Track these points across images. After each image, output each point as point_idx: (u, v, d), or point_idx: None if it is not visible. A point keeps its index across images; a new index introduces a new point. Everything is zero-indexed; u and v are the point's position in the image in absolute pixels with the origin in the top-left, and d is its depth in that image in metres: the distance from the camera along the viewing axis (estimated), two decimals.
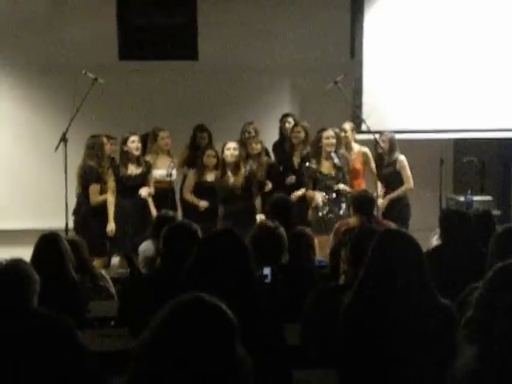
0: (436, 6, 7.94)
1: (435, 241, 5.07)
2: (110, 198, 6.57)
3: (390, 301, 2.73)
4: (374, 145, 7.30)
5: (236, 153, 6.65)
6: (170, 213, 5.15)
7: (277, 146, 7.65)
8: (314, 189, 6.69)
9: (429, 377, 2.62)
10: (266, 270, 3.76)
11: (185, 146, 7.40)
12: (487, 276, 2.25)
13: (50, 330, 2.56)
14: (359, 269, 2.88)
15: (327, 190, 6.62)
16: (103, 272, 4.83)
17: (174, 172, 6.85)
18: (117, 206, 6.57)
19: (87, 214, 6.65)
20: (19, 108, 8.38)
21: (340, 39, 8.42)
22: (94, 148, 6.67)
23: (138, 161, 6.66)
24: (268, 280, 3.76)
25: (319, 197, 6.58)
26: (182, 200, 7.09)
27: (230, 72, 8.25)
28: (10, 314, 2.70)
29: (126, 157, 6.63)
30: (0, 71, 8.33)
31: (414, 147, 7.57)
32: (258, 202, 6.92)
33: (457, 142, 8.56)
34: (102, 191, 6.65)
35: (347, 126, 7.22)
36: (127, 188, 6.59)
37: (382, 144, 7.06)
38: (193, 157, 7.17)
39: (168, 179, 6.72)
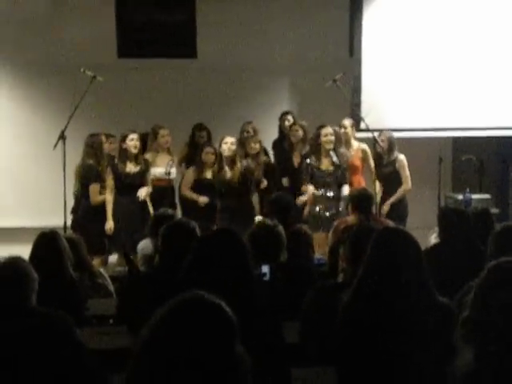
0: (435, 4, 7.94)
1: (434, 239, 5.07)
2: (109, 197, 6.57)
3: (388, 299, 2.73)
4: (372, 144, 7.29)
5: (233, 147, 6.70)
6: (169, 211, 5.14)
7: (276, 144, 7.65)
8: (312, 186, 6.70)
9: (427, 374, 2.62)
10: (265, 268, 3.77)
11: (184, 143, 7.41)
12: (481, 275, 2.26)
13: (48, 328, 2.56)
14: (358, 267, 2.88)
15: (325, 187, 6.63)
16: (102, 270, 4.83)
17: (174, 170, 6.86)
18: (115, 204, 6.57)
19: (86, 213, 6.64)
20: (18, 106, 8.37)
21: (339, 38, 8.42)
22: (92, 147, 6.66)
23: (136, 159, 6.66)
24: (267, 278, 3.76)
25: (311, 189, 6.60)
26: (181, 197, 7.09)
27: (229, 70, 8.25)
28: (8, 312, 2.70)
29: (125, 155, 6.63)
30: (3, 71, 8.32)
31: (412, 145, 7.57)
32: (255, 200, 6.93)
33: (455, 140, 8.57)
34: (102, 189, 6.64)
35: (347, 122, 7.23)
36: (125, 186, 6.58)
37: (381, 143, 7.06)
38: (191, 155, 7.17)
39: (167, 177, 6.72)
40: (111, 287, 4.59)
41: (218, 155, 6.77)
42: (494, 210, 7.03)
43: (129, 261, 5.02)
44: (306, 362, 3.00)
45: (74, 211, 6.79)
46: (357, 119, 7.46)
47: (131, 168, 6.65)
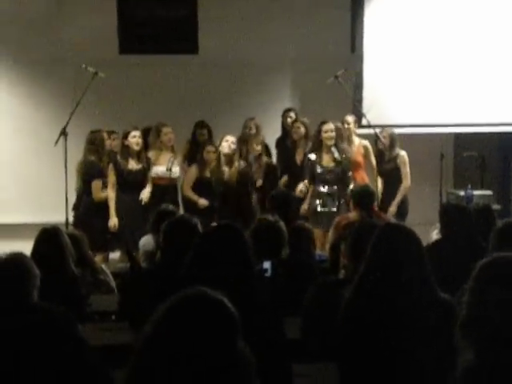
0: (437, 1, 7.93)
1: (435, 235, 5.07)
2: (111, 193, 6.57)
3: (390, 295, 2.73)
4: (374, 140, 7.29)
5: (233, 146, 6.70)
6: (170, 207, 5.15)
7: (280, 142, 7.65)
8: (313, 182, 6.70)
9: (429, 371, 2.62)
10: (266, 264, 3.77)
11: (185, 141, 7.40)
12: (475, 272, 2.26)
13: (50, 324, 2.56)
14: (359, 263, 2.88)
15: (324, 183, 6.63)
16: (103, 266, 4.83)
17: (176, 169, 6.80)
18: (117, 200, 6.58)
19: (88, 209, 6.64)
20: (20, 102, 8.37)
21: (340, 34, 8.41)
22: (94, 143, 6.66)
23: (138, 156, 6.67)
24: (268, 274, 3.76)
25: (301, 186, 6.63)
26: (183, 197, 7.08)
27: (231, 66, 8.24)
28: (10, 308, 2.71)
29: (127, 152, 6.64)
30: (0, 66, 8.32)
31: (414, 142, 7.56)
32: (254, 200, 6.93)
33: (457, 136, 8.56)
34: (104, 186, 6.65)
35: (350, 118, 7.23)
36: (127, 183, 6.60)
37: (382, 139, 7.06)
38: (193, 153, 7.17)
39: (168, 174, 6.70)
40: (113, 283, 4.59)
41: (217, 153, 6.76)
42: (496, 207, 7.03)
43: (131, 257, 5.02)
44: (307, 357, 3.00)
45: (75, 208, 6.80)
46: (358, 115, 7.45)
47: (133, 165, 6.65)
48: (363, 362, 2.75)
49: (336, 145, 6.67)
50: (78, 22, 8.18)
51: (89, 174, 6.61)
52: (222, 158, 6.71)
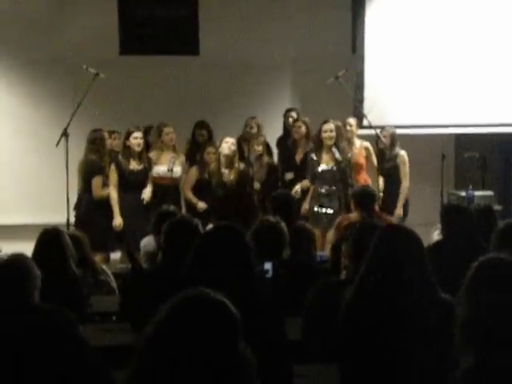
0: (438, 1, 7.92)
1: (436, 236, 5.07)
2: (113, 193, 6.58)
3: (391, 296, 2.73)
4: (375, 140, 7.29)
5: (233, 148, 6.68)
6: (172, 208, 5.14)
7: (281, 142, 7.65)
8: (313, 182, 6.71)
9: (430, 371, 2.62)
10: (268, 265, 3.77)
11: (186, 141, 7.41)
12: (469, 272, 2.26)
13: (51, 325, 2.56)
14: (360, 264, 2.88)
15: (324, 183, 6.63)
16: (104, 267, 4.83)
17: (178, 169, 6.80)
18: (119, 200, 6.59)
19: (89, 209, 6.65)
20: (21, 103, 8.38)
21: (341, 34, 8.41)
22: (95, 143, 6.67)
23: (139, 157, 6.68)
24: (269, 275, 3.76)
25: (297, 187, 6.70)
26: (184, 197, 7.09)
27: (231, 67, 8.24)
28: (11, 309, 2.70)
29: (128, 152, 6.66)
30: (1, 66, 8.33)
31: (415, 142, 7.57)
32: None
33: (458, 137, 8.56)
34: (104, 185, 6.65)
35: (352, 120, 7.23)
36: (129, 183, 6.61)
37: (383, 139, 7.07)
38: (193, 153, 7.17)
39: (170, 175, 6.70)
40: (114, 284, 4.59)
41: (217, 155, 6.75)
42: (497, 207, 7.02)
43: (132, 258, 5.02)
44: (308, 358, 3.00)
45: (76, 207, 6.80)
46: (359, 116, 7.45)
47: (135, 165, 6.67)
48: (364, 363, 2.75)
49: (337, 145, 6.67)
50: (79, 23, 8.19)
51: (89, 171, 6.62)
52: (222, 160, 6.69)
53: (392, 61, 7.94)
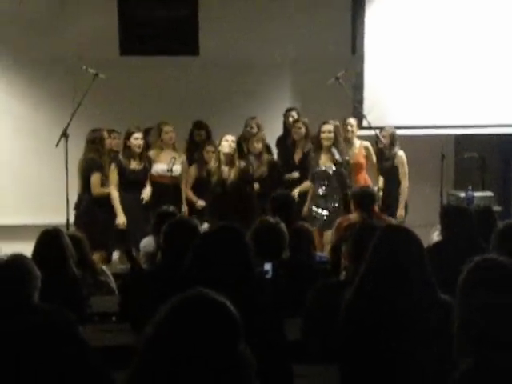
0: (438, 2, 7.93)
1: (436, 237, 5.07)
2: (114, 192, 6.59)
3: (391, 296, 2.73)
4: (374, 140, 7.30)
5: (233, 145, 6.67)
6: (171, 208, 5.15)
7: (281, 141, 7.66)
8: (313, 182, 6.72)
9: (429, 372, 2.62)
10: (267, 266, 3.77)
11: (185, 141, 7.42)
12: (461, 276, 2.27)
13: (51, 326, 2.56)
14: (360, 264, 2.89)
15: (321, 184, 6.63)
16: (104, 267, 4.83)
17: (177, 168, 6.80)
18: (120, 200, 6.61)
19: (88, 208, 6.66)
20: (20, 103, 8.37)
21: (341, 34, 8.41)
22: (94, 142, 6.69)
23: (139, 157, 6.69)
24: (269, 275, 3.76)
25: (297, 189, 6.75)
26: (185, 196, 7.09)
27: (231, 67, 8.24)
28: (11, 309, 2.70)
29: (129, 152, 6.67)
30: (0, 66, 8.33)
31: (414, 143, 7.57)
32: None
33: (458, 137, 8.56)
34: (103, 183, 6.66)
35: (352, 120, 7.24)
36: (130, 182, 6.63)
37: (382, 139, 7.08)
38: (191, 152, 7.18)
39: (169, 174, 6.70)
40: (114, 285, 4.59)
41: (216, 153, 6.74)
42: (497, 208, 7.03)
43: (131, 258, 5.03)
44: (307, 358, 3.00)
45: (76, 207, 6.80)
46: (359, 116, 7.46)
47: (135, 165, 6.69)
48: (364, 364, 2.75)
49: (336, 145, 6.66)
50: (79, 23, 8.19)
51: (87, 169, 6.64)
52: (222, 158, 6.68)
53: (392, 61, 7.94)
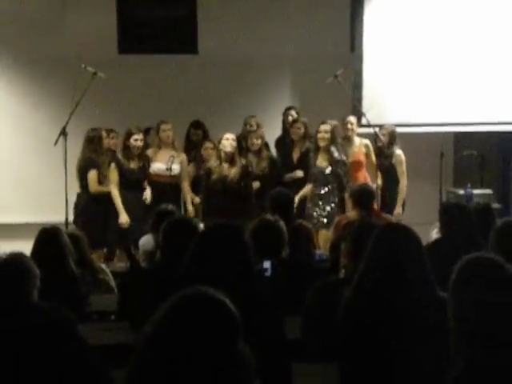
0: (436, 0, 7.93)
1: (435, 234, 5.07)
2: (115, 191, 6.60)
3: (390, 294, 2.73)
4: (374, 138, 7.30)
5: (234, 144, 6.64)
6: (170, 207, 5.15)
7: (280, 142, 7.65)
8: (314, 182, 6.71)
9: (428, 370, 2.62)
10: (266, 264, 3.77)
11: (183, 140, 7.42)
12: (452, 274, 2.27)
13: (50, 324, 2.56)
14: (359, 262, 2.88)
15: (319, 184, 6.63)
16: (103, 266, 4.83)
17: (176, 166, 6.80)
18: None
19: (87, 207, 6.67)
20: (19, 102, 8.37)
21: (340, 33, 8.41)
22: (92, 141, 6.70)
23: (138, 157, 6.69)
24: (268, 273, 3.76)
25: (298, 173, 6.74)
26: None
27: (230, 66, 8.24)
28: (10, 308, 2.70)
29: (128, 152, 6.67)
30: (0, 65, 8.32)
31: (413, 140, 7.57)
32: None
33: (457, 135, 8.56)
34: (100, 181, 6.66)
35: (352, 118, 7.23)
36: (129, 181, 6.64)
37: (381, 137, 7.08)
38: (188, 152, 7.17)
39: (168, 173, 6.69)
40: (113, 283, 4.59)
41: (218, 151, 6.70)
42: (496, 205, 7.03)
43: (130, 256, 5.03)
44: (307, 357, 3.00)
45: (76, 206, 6.81)
46: (358, 115, 7.46)
47: (134, 165, 6.71)
48: (363, 362, 2.75)
49: (335, 145, 6.65)
50: (78, 22, 8.18)
51: (85, 166, 6.65)
52: (223, 156, 6.66)
53: (390, 59, 7.95)
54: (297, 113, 7.53)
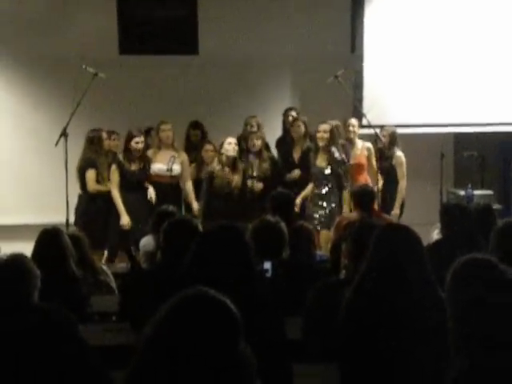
0: (437, 0, 7.93)
1: (436, 235, 5.07)
2: (116, 193, 6.61)
3: (391, 295, 2.73)
4: (374, 139, 7.29)
5: (236, 148, 6.66)
6: (170, 208, 5.15)
7: (280, 142, 7.64)
8: (314, 182, 6.72)
9: (429, 370, 2.62)
10: (267, 265, 3.77)
11: (184, 140, 7.42)
12: (449, 274, 2.28)
13: (50, 325, 2.56)
14: (360, 263, 2.88)
15: (318, 184, 6.63)
16: (104, 267, 4.83)
17: (177, 167, 6.79)
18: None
19: (87, 208, 6.68)
20: (20, 103, 8.38)
21: (340, 34, 8.40)
22: (93, 142, 6.72)
23: (139, 159, 6.70)
24: (269, 274, 3.76)
25: (298, 199, 6.64)
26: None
27: (231, 67, 8.24)
28: (10, 308, 2.70)
29: (130, 154, 6.67)
30: (0, 65, 8.33)
31: (414, 141, 7.57)
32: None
33: (457, 136, 8.56)
34: (98, 181, 6.67)
35: (354, 121, 7.23)
36: (130, 183, 6.64)
37: (382, 138, 7.08)
38: (187, 153, 7.17)
39: (168, 174, 6.69)
40: (114, 284, 4.59)
41: (221, 155, 6.68)
42: (496, 206, 7.03)
43: (131, 257, 5.02)
44: (307, 357, 3.00)
45: (77, 208, 6.82)
46: (359, 115, 7.46)
47: (135, 166, 6.71)
48: (364, 362, 2.75)
49: (336, 145, 6.65)
50: (78, 22, 8.19)
51: (83, 167, 6.66)
52: (225, 160, 6.64)
53: (391, 60, 7.95)
54: (297, 113, 7.53)
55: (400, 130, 7.31)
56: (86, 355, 2.57)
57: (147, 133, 7.13)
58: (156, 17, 8.53)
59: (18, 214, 8.08)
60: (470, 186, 7.56)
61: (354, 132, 7.18)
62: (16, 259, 2.85)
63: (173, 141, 6.92)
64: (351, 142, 7.11)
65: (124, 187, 6.64)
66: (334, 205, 6.57)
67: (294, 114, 7.53)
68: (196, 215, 6.60)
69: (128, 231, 6.54)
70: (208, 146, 6.97)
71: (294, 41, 8.37)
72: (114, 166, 6.66)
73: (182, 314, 1.79)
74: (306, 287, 3.33)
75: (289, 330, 2.86)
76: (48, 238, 4.00)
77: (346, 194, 6.48)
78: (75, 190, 6.78)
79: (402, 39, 7.93)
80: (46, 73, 8.20)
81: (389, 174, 7.11)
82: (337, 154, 6.60)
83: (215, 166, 6.66)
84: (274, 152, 7.56)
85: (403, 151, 7.17)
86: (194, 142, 7.28)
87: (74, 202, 6.79)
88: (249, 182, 6.74)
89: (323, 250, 5.87)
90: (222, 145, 6.69)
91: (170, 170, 6.65)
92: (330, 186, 6.59)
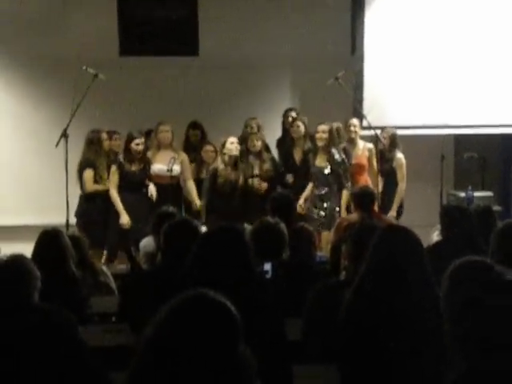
0: (437, 1, 7.93)
1: (436, 236, 5.07)
2: (114, 193, 6.61)
3: (391, 296, 2.73)
4: (375, 141, 7.29)
5: (239, 147, 6.67)
6: (171, 209, 5.15)
7: (280, 143, 7.64)
8: (314, 182, 6.72)
9: (428, 373, 2.62)
10: (267, 266, 3.77)
11: (183, 141, 7.43)
12: (445, 276, 2.28)
13: (50, 326, 2.56)
14: (360, 264, 2.88)
15: (318, 184, 6.63)
16: (104, 268, 4.83)
17: (177, 167, 6.79)
18: (121, 201, 6.62)
19: (87, 208, 6.70)
20: (20, 104, 8.37)
21: (340, 34, 8.40)
22: (92, 143, 6.72)
23: (140, 160, 6.70)
24: (269, 276, 3.76)
25: (301, 201, 6.64)
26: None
27: (231, 68, 8.24)
28: (10, 309, 2.70)
29: (130, 156, 6.67)
30: (0, 65, 8.33)
31: (414, 143, 7.56)
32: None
33: (457, 137, 8.55)
34: (97, 181, 6.68)
35: (355, 121, 7.22)
36: (130, 184, 6.64)
37: (382, 140, 7.07)
38: (187, 153, 7.17)
39: (169, 174, 6.69)
40: (113, 285, 4.59)
41: (223, 155, 6.69)
42: (497, 208, 7.03)
43: (131, 258, 5.02)
44: (307, 359, 3.00)
45: (78, 208, 6.82)
46: (359, 116, 7.46)
47: (135, 167, 6.70)
48: (363, 364, 2.74)
49: (336, 147, 6.65)
50: (79, 23, 8.19)
51: (82, 167, 6.67)
52: (227, 160, 6.66)
53: (391, 61, 7.94)
54: (297, 114, 7.53)
55: (400, 132, 7.31)
56: (85, 356, 2.57)
57: (147, 135, 7.13)
58: (156, 18, 8.53)
59: (18, 214, 8.08)
60: (470, 187, 7.56)
61: (356, 132, 7.17)
62: (16, 260, 2.85)
63: (171, 141, 6.92)
64: (352, 142, 7.11)
65: (124, 188, 6.64)
66: (334, 205, 6.57)
67: (293, 114, 7.52)
68: (198, 210, 6.62)
69: (128, 231, 6.53)
70: (208, 147, 6.97)
71: (295, 41, 8.36)
72: (114, 167, 6.67)
73: (182, 315, 1.78)
74: (306, 288, 3.33)
75: (289, 331, 2.86)
76: (48, 239, 4.01)
77: (345, 194, 6.48)
78: (75, 191, 6.78)
79: (402, 40, 7.93)
80: (46, 73, 8.20)
81: (389, 175, 7.10)
82: (337, 156, 6.60)
83: (219, 165, 6.68)
84: (275, 153, 7.56)
85: (403, 153, 7.17)
86: (194, 143, 7.28)
87: (73, 202, 6.78)
88: (249, 181, 6.75)
89: (324, 251, 5.87)
90: (223, 144, 6.70)
91: (171, 170, 6.65)
92: (330, 186, 6.59)
